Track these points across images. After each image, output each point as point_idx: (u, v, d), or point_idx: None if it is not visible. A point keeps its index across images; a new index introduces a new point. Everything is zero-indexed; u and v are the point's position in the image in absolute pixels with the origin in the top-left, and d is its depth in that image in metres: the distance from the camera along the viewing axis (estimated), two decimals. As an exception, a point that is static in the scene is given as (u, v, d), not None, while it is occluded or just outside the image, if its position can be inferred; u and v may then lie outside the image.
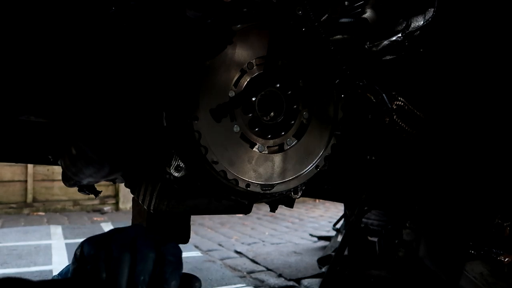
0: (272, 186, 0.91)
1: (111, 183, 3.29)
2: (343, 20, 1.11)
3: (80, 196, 5.48)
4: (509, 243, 1.47)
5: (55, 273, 0.86)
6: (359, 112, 1.11)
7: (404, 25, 1.09)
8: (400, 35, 1.07)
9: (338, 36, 1.10)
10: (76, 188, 1.27)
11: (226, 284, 2.68)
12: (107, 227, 4.51)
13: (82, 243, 0.77)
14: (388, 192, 1.70)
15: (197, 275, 0.82)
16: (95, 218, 5.16)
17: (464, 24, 1.13)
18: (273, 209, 1.07)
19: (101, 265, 0.71)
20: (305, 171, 0.95)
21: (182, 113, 0.82)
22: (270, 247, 3.84)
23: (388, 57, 1.09)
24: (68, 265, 0.82)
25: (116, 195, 6.02)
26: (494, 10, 1.13)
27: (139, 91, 0.89)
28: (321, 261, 3.14)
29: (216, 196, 0.93)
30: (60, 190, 5.64)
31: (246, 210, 1.14)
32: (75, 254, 0.77)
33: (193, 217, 1.35)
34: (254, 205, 1.10)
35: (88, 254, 0.74)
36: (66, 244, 3.63)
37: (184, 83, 0.82)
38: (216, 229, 4.62)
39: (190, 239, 1.29)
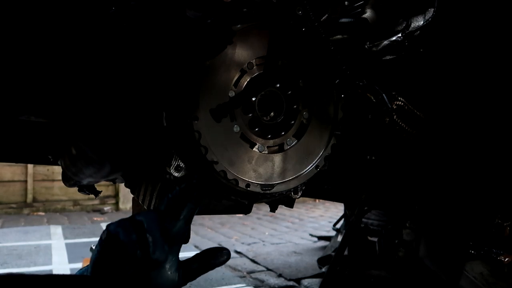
0: (272, 186, 0.91)
1: (111, 183, 3.29)
2: (343, 20, 1.11)
3: (80, 196, 5.48)
4: (509, 243, 1.47)
5: (55, 273, 0.86)
6: (359, 112, 1.11)
7: (404, 25, 1.09)
8: (400, 35, 1.07)
9: (338, 36, 1.10)
10: (76, 188, 1.27)
11: (226, 284, 2.68)
12: (107, 227, 4.51)
13: (108, 226, 0.78)
14: (388, 192, 1.70)
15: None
16: (95, 218, 5.16)
17: (464, 24, 1.13)
18: (273, 209, 1.07)
19: (136, 245, 0.73)
20: (305, 171, 0.95)
21: (182, 113, 0.82)
22: (270, 247, 3.84)
23: (388, 57, 1.09)
24: (81, 269, 0.82)
25: (116, 195, 6.02)
26: (494, 10, 1.13)
27: (139, 91, 0.89)
28: (321, 261, 3.14)
29: (216, 196, 0.93)
30: (60, 190, 5.63)
31: (246, 210, 1.14)
32: (100, 237, 0.78)
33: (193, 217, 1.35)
34: (254, 205, 1.10)
35: (117, 233, 0.75)
36: (66, 244, 3.63)
37: (184, 83, 0.82)
38: (216, 229, 4.62)
39: (190, 239, 1.29)
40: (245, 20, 0.85)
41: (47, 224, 4.66)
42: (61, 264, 3.00)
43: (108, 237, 0.75)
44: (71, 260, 3.13)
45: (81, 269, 0.83)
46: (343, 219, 3.43)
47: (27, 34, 0.82)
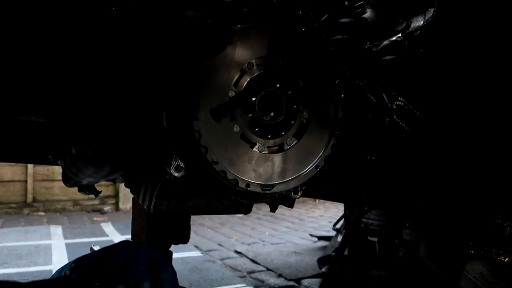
0: (272, 186, 0.91)
1: (111, 183, 3.29)
2: (343, 20, 1.11)
3: (80, 196, 5.48)
4: (509, 243, 1.47)
5: (54, 272, 0.85)
6: (359, 112, 1.11)
7: (404, 25, 1.09)
8: (400, 35, 1.07)
9: (338, 36, 1.10)
10: (76, 188, 1.27)
11: (226, 284, 2.67)
12: (107, 227, 4.51)
13: (71, 269, 0.75)
14: (388, 192, 1.70)
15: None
16: (95, 218, 5.16)
17: (464, 24, 1.13)
18: (273, 209, 1.07)
19: None
20: (305, 171, 0.95)
21: (182, 113, 0.82)
22: (270, 247, 3.84)
23: (388, 57, 1.09)
24: (61, 268, 0.82)
25: (116, 195, 6.01)
26: (494, 10, 1.13)
27: (139, 91, 0.89)
28: (321, 261, 3.14)
29: (216, 196, 0.93)
30: (60, 190, 5.63)
31: (246, 210, 1.14)
32: (64, 273, 0.76)
33: (193, 217, 1.35)
34: (254, 205, 1.10)
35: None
36: (66, 244, 3.63)
37: (184, 83, 0.82)
38: (216, 229, 4.62)
39: (190, 239, 1.29)
40: (245, 20, 0.85)
41: (47, 224, 4.65)
42: (61, 264, 2.99)
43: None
44: (71, 260, 3.12)
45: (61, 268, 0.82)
46: (343, 219, 3.43)
47: (27, 34, 0.82)
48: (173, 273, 0.77)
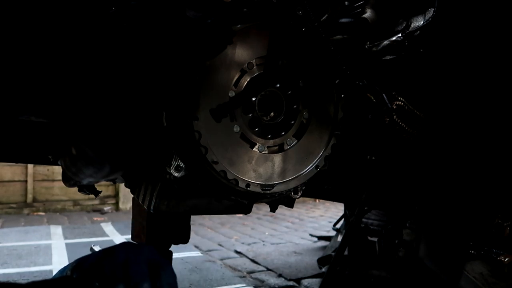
0: (272, 186, 0.91)
1: (111, 183, 3.29)
2: (343, 20, 1.11)
3: (80, 196, 5.48)
4: (509, 243, 1.47)
5: (55, 273, 0.85)
6: (359, 112, 1.11)
7: (404, 25, 1.09)
8: (400, 35, 1.07)
9: (338, 36, 1.10)
10: (76, 188, 1.27)
11: (226, 284, 2.67)
12: (107, 227, 4.51)
13: (72, 269, 0.75)
14: (388, 192, 1.70)
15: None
16: (95, 218, 5.16)
17: (464, 24, 1.13)
18: (273, 209, 1.07)
19: None
20: (305, 171, 0.96)
21: (182, 113, 0.82)
22: (270, 247, 3.84)
23: (388, 57, 1.09)
24: (62, 268, 0.82)
25: (116, 195, 6.01)
26: (494, 10, 1.13)
27: (139, 91, 0.89)
28: (321, 261, 3.14)
29: (216, 196, 0.93)
30: (60, 190, 5.63)
31: (246, 210, 1.14)
32: (66, 274, 0.76)
33: (193, 217, 1.35)
34: (254, 205, 1.10)
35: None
36: (66, 244, 3.63)
37: (184, 83, 0.82)
38: (216, 229, 4.62)
39: (190, 239, 1.29)
40: (245, 20, 0.85)
41: (47, 224, 4.65)
42: (61, 264, 2.99)
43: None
44: (71, 260, 3.12)
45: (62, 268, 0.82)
46: (343, 219, 3.43)
47: (27, 34, 0.82)
48: (173, 275, 0.78)
